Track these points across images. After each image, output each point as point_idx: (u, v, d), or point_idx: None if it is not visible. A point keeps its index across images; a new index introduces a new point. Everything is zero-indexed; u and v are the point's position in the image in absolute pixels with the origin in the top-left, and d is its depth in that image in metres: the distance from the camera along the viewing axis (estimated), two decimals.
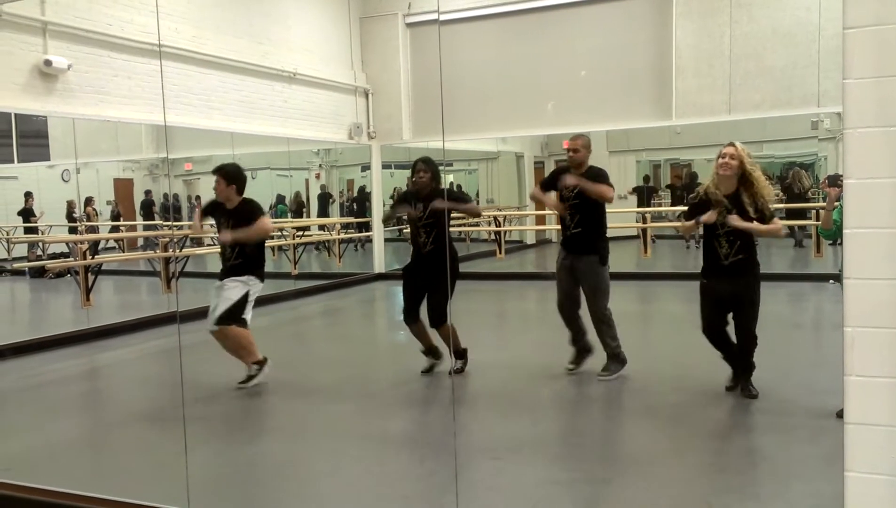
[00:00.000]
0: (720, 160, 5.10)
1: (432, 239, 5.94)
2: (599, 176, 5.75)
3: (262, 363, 5.98)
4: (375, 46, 13.19)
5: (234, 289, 5.89)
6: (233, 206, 5.99)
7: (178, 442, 4.36)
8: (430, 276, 5.91)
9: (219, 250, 6.10)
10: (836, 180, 4.75)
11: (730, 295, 5.13)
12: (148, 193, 14.19)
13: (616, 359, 5.87)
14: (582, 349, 6.03)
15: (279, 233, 13.65)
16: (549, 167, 17.55)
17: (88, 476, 4.44)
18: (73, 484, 3.95)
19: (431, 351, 6.15)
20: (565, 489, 3.94)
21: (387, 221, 7.50)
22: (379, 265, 13.66)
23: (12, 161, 12.29)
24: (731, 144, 5.12)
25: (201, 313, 9.41)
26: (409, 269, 6.19)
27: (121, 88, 8.95)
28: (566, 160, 5.92)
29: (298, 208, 15.47)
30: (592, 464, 4.32)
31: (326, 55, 12.53)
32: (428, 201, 5.94)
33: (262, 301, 10.98)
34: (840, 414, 2.22)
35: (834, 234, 4.83)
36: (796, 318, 9.14)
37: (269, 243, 13.59)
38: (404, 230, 15.91)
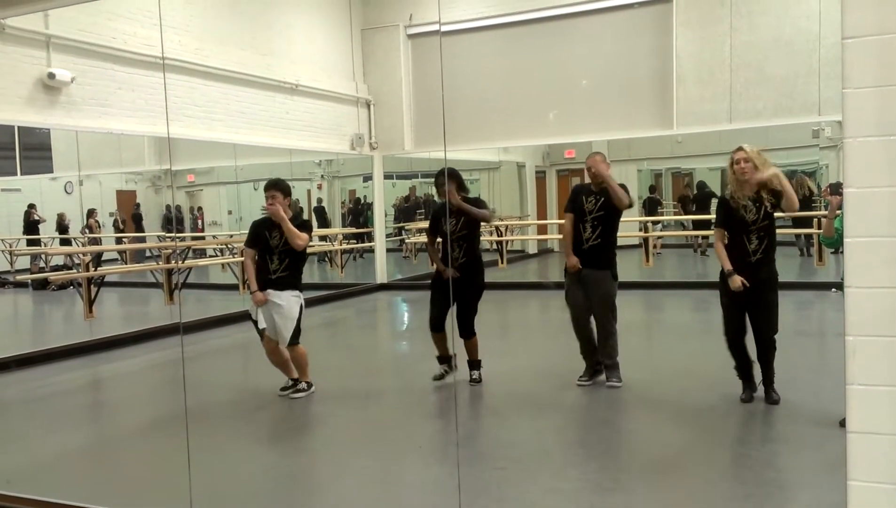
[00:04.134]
0: (736, 166, 5.16)
1: (463, 252, 6.04)
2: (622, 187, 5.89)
3: (309, 384, 6.12)
4: (377, 58, 13.24)
5: (293, 306, 5.96)
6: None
7: (182, 453, 4.36)
8: (460, 288, 5.95)
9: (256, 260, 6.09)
10: (837, 189, 4.76)
11: (751, 292, 5.16)
12: (137, 206, 14.20)
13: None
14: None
15: None
16: (551, 177, 17.59)
17: (93, 488, 4.44)
18: (78, 496, 3.95)
19: (447, 360, 6.24)
20: (570, 498, 3.94)
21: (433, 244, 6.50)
22: (381, 276, 13.67)
23: (15, 173, 12.33)
24: (741, 148, 5.19)
25: (203, 325, 9.48)
26: (438, 280, 6.19)
27: (124, 101, 8.98)
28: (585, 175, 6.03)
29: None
30: (597, 473, 4.32)
31: (328, 66, 12.58)
32: (459, 214, 6.01)
33: None
34: (843, 423, 2.22)
35: (836, 242, 4.84)
36: (800, 326, 9.12)
37: None
38: (407, 240, 15.94)
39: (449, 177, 5.99)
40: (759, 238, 5.17)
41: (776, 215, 5.21)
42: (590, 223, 5.88)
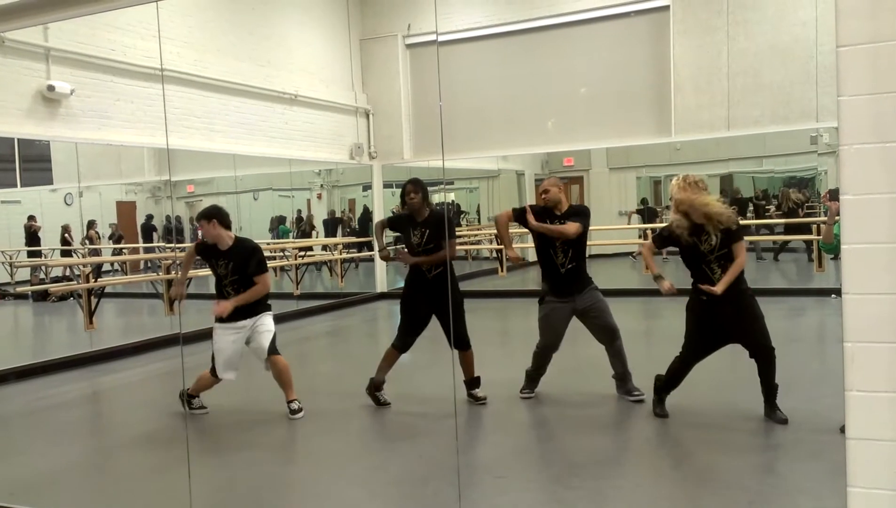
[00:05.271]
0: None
1: (435, 264, 5.75)
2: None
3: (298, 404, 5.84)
4: (375, 68, 13.29)
5: (267, 321, 5.81)
6: (227, 247, 5.70)
7: (182, 465, 4.36)
8: (439, 301, 5.72)
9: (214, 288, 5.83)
10: (837, 194, 4.76)
11: (727, 318, 5.00)
12: (150, 217, 14.25)
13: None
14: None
15: (281, 253, 13.69)
16: None
17: (93, 500, 4.43)
18: None
19: (380, 386, 6.00)
20: (569, 507, 3.93)
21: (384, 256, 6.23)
22: (381, 284, 13.68)
23: (15, 185, 12.35)
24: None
25: (204, 335, 9.45)
26: (412, 296, 5.91)
27: (123, 113, 9.02)
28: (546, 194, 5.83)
29: (309, 232, 15.46)
30: (596, 482, 4.31)
31: (327, 77, 12.63)
32: (426, 226, 5.77)
33: None
34: (843, 429, 2.22)
35: (835, 248, 4.85)
36: (799, 333, 9.12)
37: (271, 263, 13.67)
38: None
39: (417, 187, 5.78)
40: (721, 266, 4.92)
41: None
42: (561, 249, 5.71)
